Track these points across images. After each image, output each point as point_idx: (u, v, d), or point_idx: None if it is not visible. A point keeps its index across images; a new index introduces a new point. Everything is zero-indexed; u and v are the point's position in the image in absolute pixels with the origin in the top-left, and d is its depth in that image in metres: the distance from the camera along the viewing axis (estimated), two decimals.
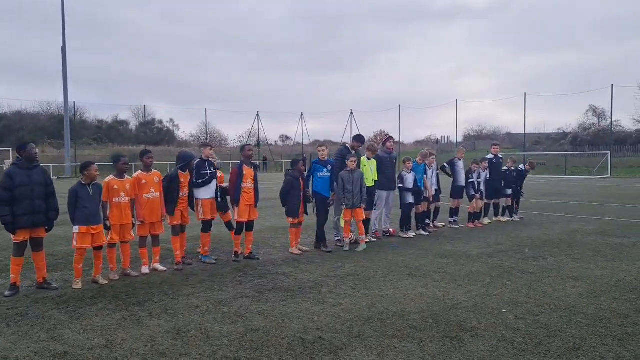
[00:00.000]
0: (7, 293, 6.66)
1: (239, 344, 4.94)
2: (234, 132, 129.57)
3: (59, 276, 7.71)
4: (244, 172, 8.79)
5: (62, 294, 6.76)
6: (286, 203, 9.45)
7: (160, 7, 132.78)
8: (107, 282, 7.32)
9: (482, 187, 13.14)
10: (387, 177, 10.95)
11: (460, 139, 66.33)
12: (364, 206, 9.89)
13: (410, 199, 11.39)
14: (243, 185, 8.75)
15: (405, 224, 11.45)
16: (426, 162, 11.97)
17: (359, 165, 10.25)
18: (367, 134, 64.76)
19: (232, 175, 8.85)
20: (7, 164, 40.47)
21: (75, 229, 7.08)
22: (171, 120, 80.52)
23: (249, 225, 8.97)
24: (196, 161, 8.62)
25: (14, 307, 6.17)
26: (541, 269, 8.06)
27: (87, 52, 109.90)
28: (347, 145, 10.56)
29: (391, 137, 11.64)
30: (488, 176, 13.40)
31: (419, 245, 10.22)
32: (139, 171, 8.06)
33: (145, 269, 7.90)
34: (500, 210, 14.25)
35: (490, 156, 13.89)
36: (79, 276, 7.17)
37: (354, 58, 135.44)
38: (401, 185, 11.40)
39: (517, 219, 14.34)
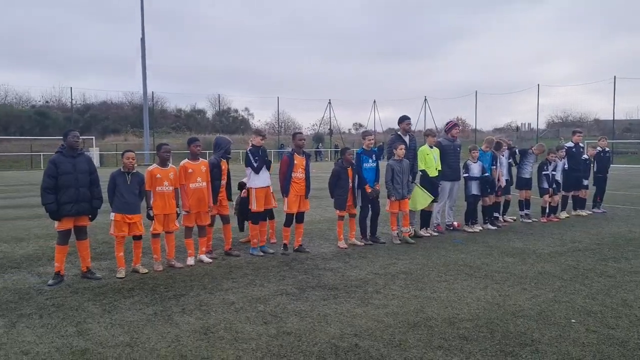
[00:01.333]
0: (50, 282, 6.63)
1: (266, 349, 4.54)
2: (307, 121, 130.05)
3: (107, 265, 7.64)
4: (295, 162, 8.40)
5: (103, 284, 6.66)
6: (333, 194, 8.96)
7: (240, 0, 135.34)
8: (146, 271, 7.17)
9: (558, 178, 12.00)
10: (450, 166, 10.15)
11: (542, 126, 62.85)
12: (409, 196, 9.25)
13: (475, 190, 10.55)
14: (293, 175, 8.36)
15: (470, 217, 10.64)
16: (492, 150, 11.00)
17: (414, 155, 9.60)
18: (442, 122, 62.71)
19: (282, 164, 8.47)
20: (91, 151, 42.73)
21: (112, 215, 7.04)
22: (246, 109, 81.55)
23: (299, 217, 8.58)
24: (249, 148, 8.39)
25: (52, 297, 6.10)
26: (622, 272, 7.11)
27: (170, 45, 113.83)
28: (398, 132, 9.87)
29: (456, 124, 10.76)
30: (566, 166, 12.25)
31: (484, 241, 9.41)
32: (186, 160, 7.84)
33: (190, 261, 7.68)
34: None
35: (570, 144, 12.67)
36: (122, 265, 7.07)
37: (430, 45, 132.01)
38: (467, 175, 10.58)
39: (599, 212, 13.10)
